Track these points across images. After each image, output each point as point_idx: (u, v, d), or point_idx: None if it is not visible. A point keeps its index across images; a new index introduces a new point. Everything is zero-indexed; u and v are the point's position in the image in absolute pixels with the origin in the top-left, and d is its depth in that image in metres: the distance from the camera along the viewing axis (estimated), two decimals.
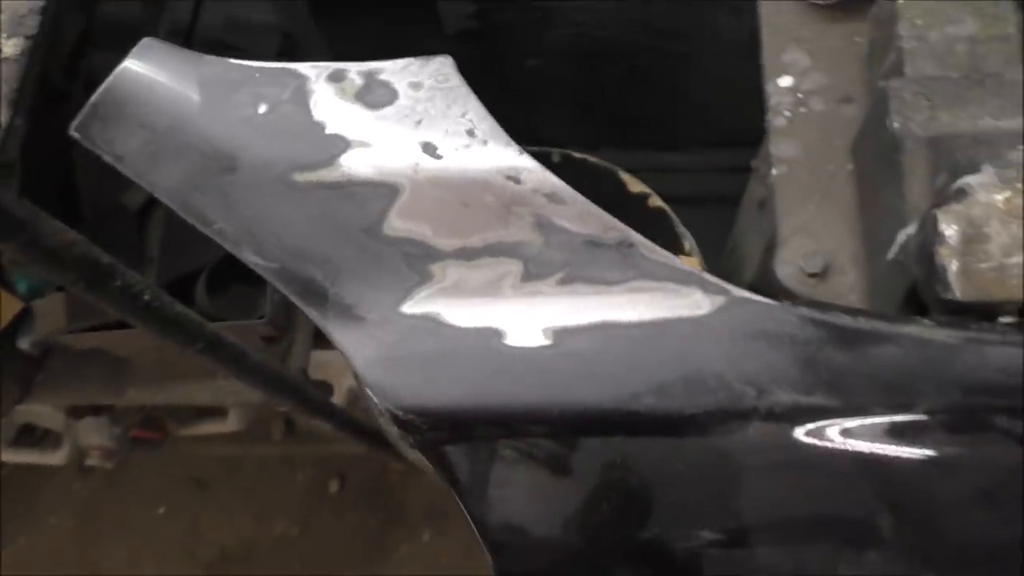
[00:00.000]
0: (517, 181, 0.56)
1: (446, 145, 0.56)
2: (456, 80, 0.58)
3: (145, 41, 0.56)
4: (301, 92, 0.57)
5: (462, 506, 0.55)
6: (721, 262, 1.57)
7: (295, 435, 1.87)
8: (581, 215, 0.56)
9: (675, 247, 1.38)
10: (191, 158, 0.55)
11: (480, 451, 0.54)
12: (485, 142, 0.56)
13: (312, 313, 0.56)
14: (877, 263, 0.85)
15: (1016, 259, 0.61)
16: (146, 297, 0.85)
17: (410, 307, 0.56)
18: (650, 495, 0.55)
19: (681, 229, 1.40)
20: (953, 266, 0.62)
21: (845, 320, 0.56)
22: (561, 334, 0.55)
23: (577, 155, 1.43)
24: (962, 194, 0.65)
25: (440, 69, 0.59)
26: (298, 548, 2.17)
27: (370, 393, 0.53)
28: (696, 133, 2.03)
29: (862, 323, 0.56)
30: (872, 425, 0.54)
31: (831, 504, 0.54)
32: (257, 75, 0.57)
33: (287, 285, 0.56)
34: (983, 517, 0.53)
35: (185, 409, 1.55)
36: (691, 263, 1.37)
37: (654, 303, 0.56)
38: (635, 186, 1.43)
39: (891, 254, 0.80)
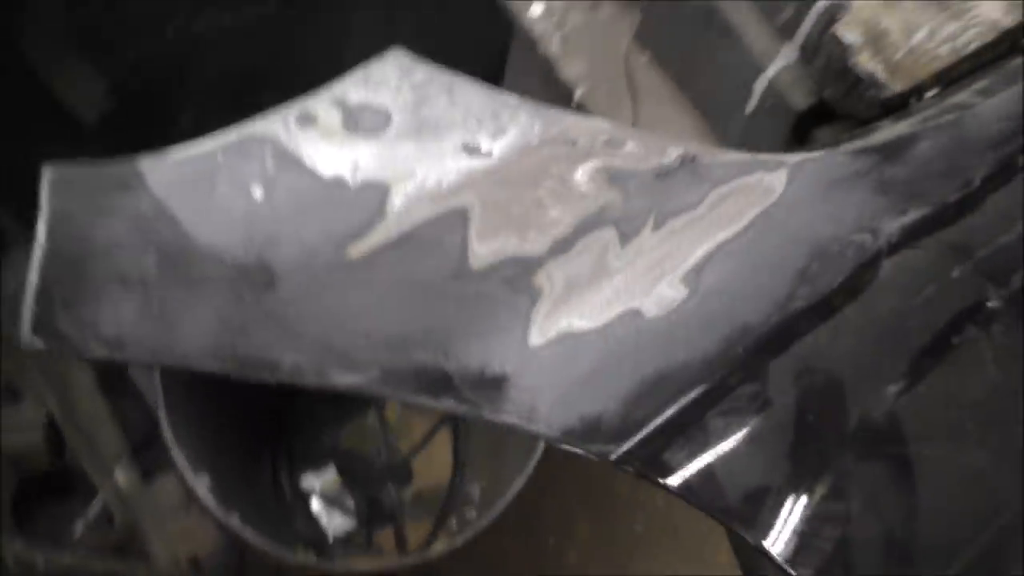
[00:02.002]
0: (573, 143, 0.48)
1: (484, 138, 0.46)
2: (428, 69, 0.48)
3: (51, 175, 0.37)
4: (286, 155, 0.42)
5: (705, 509, 0.47)
6: None
7: None
8: (641, 149, 0.50)
9: None
10: (216, 293, 0.38)
11: (695, 437, 0.47)
12: (517, 115, 0.47)
13: (444, 406, 0.43)
14: (732, 123, 0.88)
15: (918, 37, 0.67)
16: None
17: (539, 335, 0.46)
18: (839, 383, 0.52)
19: None
20: (879, 67, 0.67)
21: (880, 133, 0.57)
22: (689, 279, 0.49)
23: None
24: (841, 8, 0.69)
25: (401, 65, 0.48)
26: None
27: (576, 450, 0.43)
28: None
29: (891, 130, 0.57)
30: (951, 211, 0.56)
31: (960, 295, 0.56)
32: (220, 157, 0.41)
33: (398, 390, 0.42)
34: None
35: None
36: None
37: (739, 206, 0.52)
38: None
39: (751, 107, 0.83)
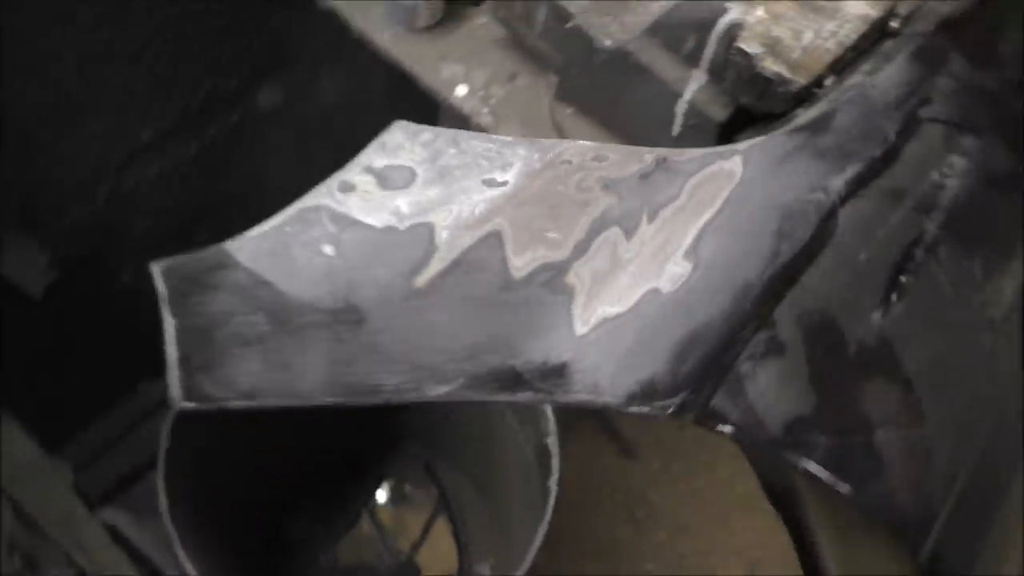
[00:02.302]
0: (568, 162, 0.56)
1: (496, 172, 0.54)
2: (431, 129, 0.56)
3: (158, 267, 0.42)
4: (341, 217, 0.49)
5: (751, 445, 0.54)
6: None
7: None
8: (622, 158, 0.59)
9: None
10: (320, 337, 0.44)
11: (732, 383, 0.54)
12: (516, 149, 0.55)
13: (523, 398, 0.49)
14: (661, 147, 0.99)
15: (807, 38, 0.79)
16: None
17: (582, 325, 0.53)
18: (832, 317, 0.60)
19: None
20: (783, 67, 0.78)
21: (802, 117, 0.68)
22: (690, 256, 0.58)
23: None
24: (738, 27, 0.81)
25: (407, 131, 0.55)
26: None
27: (642, 410, 0.50)
28: None
29: (809, 113, 0.68)
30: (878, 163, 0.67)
31: (905, 230, 0.66)
32: (288, 228, 0.47)
33: (479, 391, 0.48)
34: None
35: None
36: None
37: (711, 191, 0.61)
38: None
39: (676, 129, 0.94)
